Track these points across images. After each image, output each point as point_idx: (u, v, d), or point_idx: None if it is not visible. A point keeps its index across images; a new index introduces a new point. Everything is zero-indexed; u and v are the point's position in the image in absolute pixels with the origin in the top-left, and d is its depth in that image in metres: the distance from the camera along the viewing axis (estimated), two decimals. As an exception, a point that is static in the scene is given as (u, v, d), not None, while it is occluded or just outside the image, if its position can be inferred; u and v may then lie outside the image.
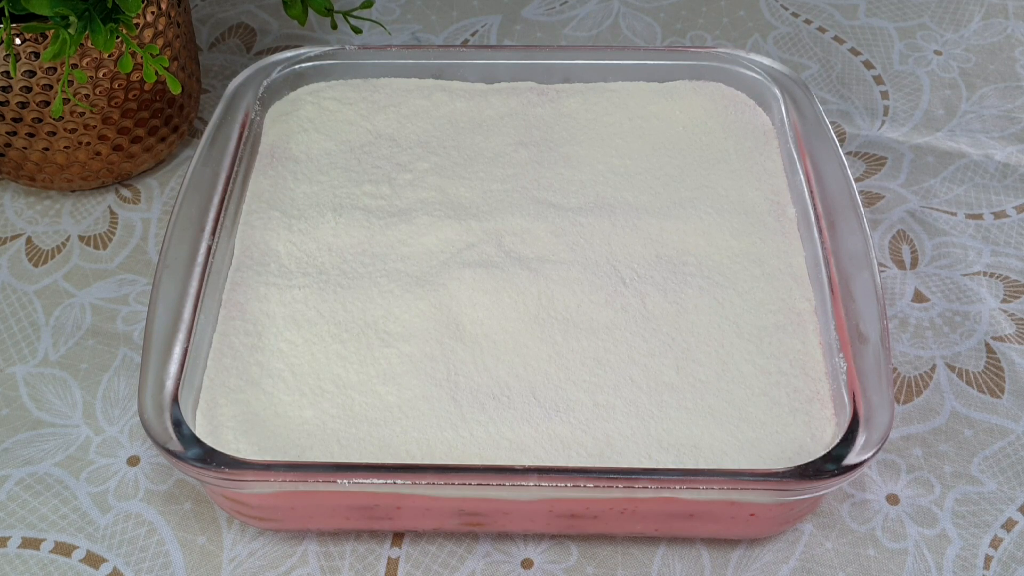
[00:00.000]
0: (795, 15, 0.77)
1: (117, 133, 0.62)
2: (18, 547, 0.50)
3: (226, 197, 0.55)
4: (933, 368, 0.56)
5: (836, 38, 0.76)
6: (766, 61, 0.62)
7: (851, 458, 0.44)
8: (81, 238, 0.63)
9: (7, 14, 0.53)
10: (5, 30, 0.53)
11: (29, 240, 0.63)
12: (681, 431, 0.47)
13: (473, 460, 0.47)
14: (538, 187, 0.58)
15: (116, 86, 0.60)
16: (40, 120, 0.59)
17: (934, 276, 0.60)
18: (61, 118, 0.59)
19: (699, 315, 0.51)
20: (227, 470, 0.44)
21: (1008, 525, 0.51)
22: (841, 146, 0.59)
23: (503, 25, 0.77)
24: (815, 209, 0.54)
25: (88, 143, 0.61)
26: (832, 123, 0.67)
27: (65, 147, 0.61)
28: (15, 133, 0.60)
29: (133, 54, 0.58)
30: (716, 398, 0.48)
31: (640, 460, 0.46)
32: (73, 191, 0.65)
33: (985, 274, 0.60)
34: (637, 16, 0.78)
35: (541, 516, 0.47)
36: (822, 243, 0.52)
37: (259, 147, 0.60)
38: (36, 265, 0.62)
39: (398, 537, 0.50)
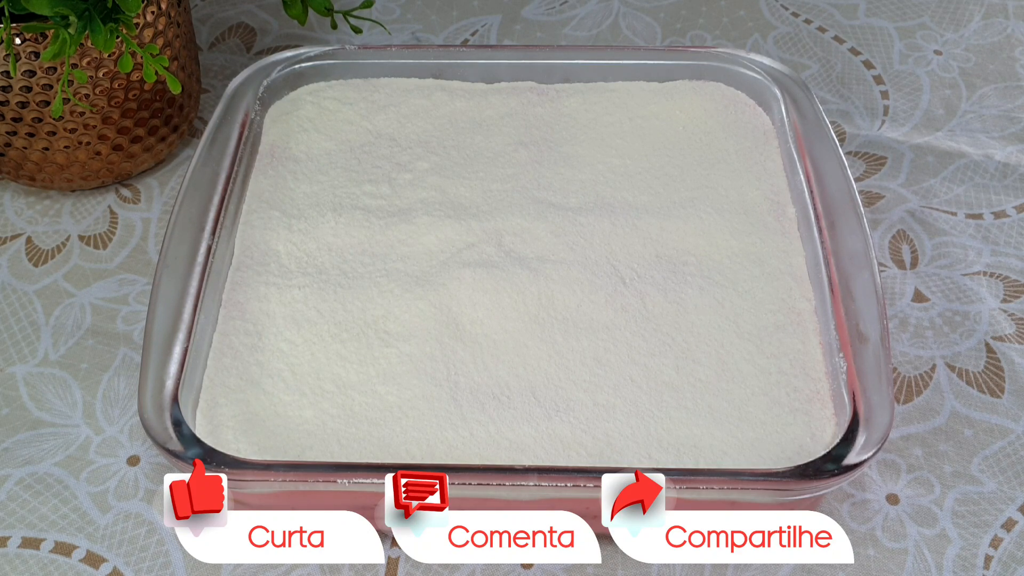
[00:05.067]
0: (795, 15, 0.77)
1: (117, 133, 0.62)
2: (18, 547, 0.50)
3: (226, 197, 0.55)
4: (933, 368, 0.56)
5: (836, 38, 0.76)
6: (766, 61, 0.62)
7: (851, 458, 0.44)
8: (81, 238, 0.63)
9: (7, 14, 0.53)
10: (5, 30, 0.53)
11: (29, 240, 0.63)
12: (681, 431, 0.47)
13: (473, 460, 0.47)
14: (538, 187, 0.58)
15: (116, 86, 0.60)
16: (40, 120, 0.59)
17: (934, 276, 0.60)
18: (61, 118, 0.59)
19: (699, 315, 0.51)
20: (227, 470, 0.44)
21: (1008, 525, 0.51)
22: (841, 146, 0.59)
23: (503, 25, 0.77)
24: (815, 209, 0.54)
25: (88, 143, 0.61)
26: (832, 123, 0.67)
27: (65, 147, 0.61)
28: (15, 133, 0.60)
29: (133, 54, 0.58)
30: (716, 398, 0.48)
31: (640, 460, 0.46)
32: (73, 191, 0.65)
33: (985, 274, 0.60)
34: (637, 16, 0.78)
35: (541, 516, 0.47)
36: (822, 243, 0.52)
37: (259, 147, 0.60)
38: (36, 265, 0.62)
39: (398, 537, 0.50)
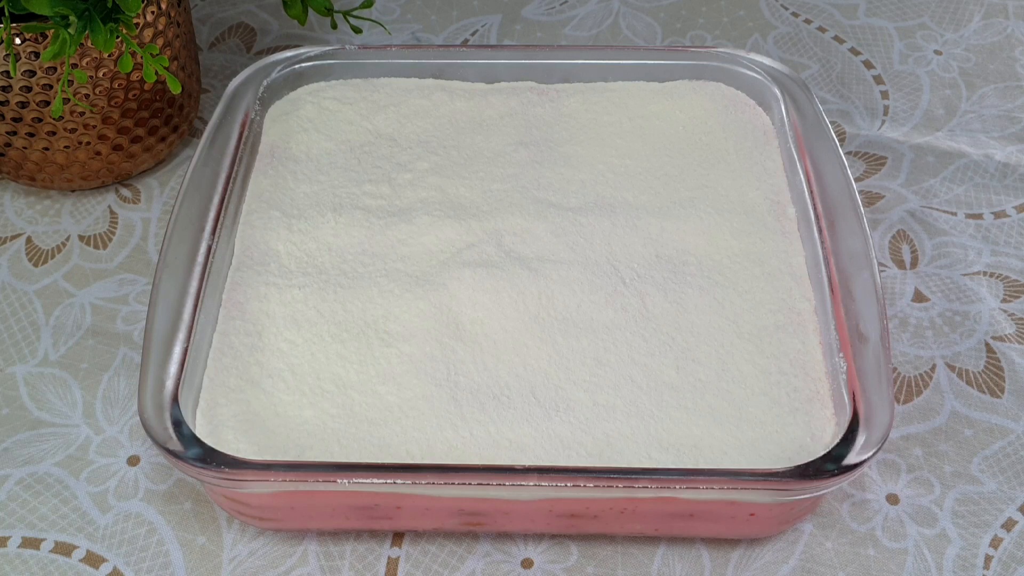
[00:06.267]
0: (795, 15, 0.77)
1: (117, 133, 0.62)
2: (18, 547, 0.50)
3: (226, 197, 0.55)
4: (933, 368, 0.56)
5: (836, 38, 0.76)
6: (766, 61, 0.62)
7: (851, 458, 0.44)
8: (81, 238, 0.63)
9: (7, 14, 0.53)
10: (5, 30, 0.53)
11: (29, 240, 0.63)
12: (681, 431, 0.47)
13: (473, 460, 0.46)
14: (538, 187, 0.58)
15: (116, 86, 0.60)
16: (40, 120, 0.59)
17: (934, 276, 0.60)
18: (61, 118, 0.59)
19: (699, 315, 0.51)
20: (227, 470, 0.44)
21: (1008, 525, 0.51)
22: (841, 146, 0.59)
23: (503, 25, 0.77)
24: (815, 209, 0.54)
25: (88, 143, 0.61)
26: (832, 123, 0.67)
27: (65, 147, 0.61)
28: (15, 133, 0.60)
29: (133, 54, 0.58)
30: (716, 398, 0.48)
31: (640, 460, 0.46)
32: (73, 191, 0.65)
33: (985, 274, 0.60)
34: (637, 16, 0.78)
35: (541, 516, 0.47)
36: (822, 243, 0.52)
37: (259, 147, 0.60)
38: (36, 265, 0.62)
39: (398, 537, 0.50)
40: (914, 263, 0.61)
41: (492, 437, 0.47)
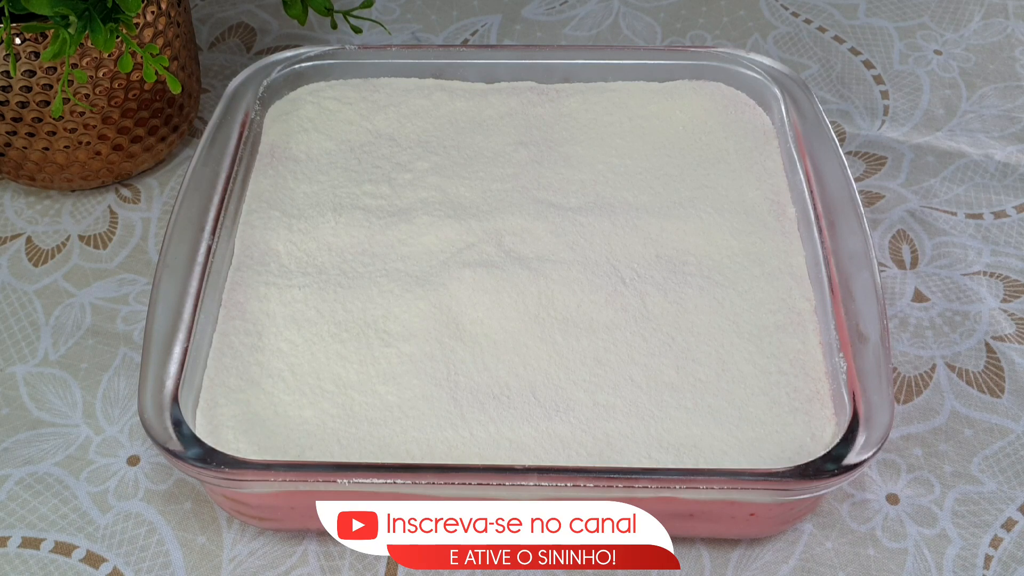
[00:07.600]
0: (795, 15, 0.77)
1: (117, 133, 0.62)
2: (18, 547, 0.50)
3: (226, 197, 0.55)
4: (933, 368, 0.56)
5: (836, 38, 0.76)
6: (766, 61, 0.62)
7: (851, 458, 0.44)
8: (81, 238, 0.63)
9: (7, 14, 0.53)
10: (5, 30, 0.53)
11: (29, 240, 0.63)
12: (681, 431, 0.47)
13: (473, 460, 0.46)
14: (538, 187, 0.58)
15: (116, 86, 0.60)
16: (40, 120, 0.59)
17: (934, 276, 0.60)
18: (61, 118, 0.59)
19: (699, 315, 0.51)
20: (227, 470, 0.44)
21: (1008, 525, 0.51)
22: (841, 146, 0.59)
23: (503, 25, 0.77)
24: (815, 209, 0.54)
25: (88, 143, 0.61)
26: (832, 123, 0.67)
27: (65, 147, 0.61)
28: (15, 133, 0.60)
29: (133, 54, 0.58)
30: (716, 398, 0.48)
31: (640, 460, 0.46)
32: (73, 191, 0.65)
33: (985, 274, 0.60)
34: (637, 16, 0.78)
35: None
36: (822, 243, 0.52)
37: (259, 147, 0.60)
38: (36, 265, 0.62)
39: (398, 537, 0.50)
40: (914, 263, 0.61)
41: (492, 437, 0.47)
